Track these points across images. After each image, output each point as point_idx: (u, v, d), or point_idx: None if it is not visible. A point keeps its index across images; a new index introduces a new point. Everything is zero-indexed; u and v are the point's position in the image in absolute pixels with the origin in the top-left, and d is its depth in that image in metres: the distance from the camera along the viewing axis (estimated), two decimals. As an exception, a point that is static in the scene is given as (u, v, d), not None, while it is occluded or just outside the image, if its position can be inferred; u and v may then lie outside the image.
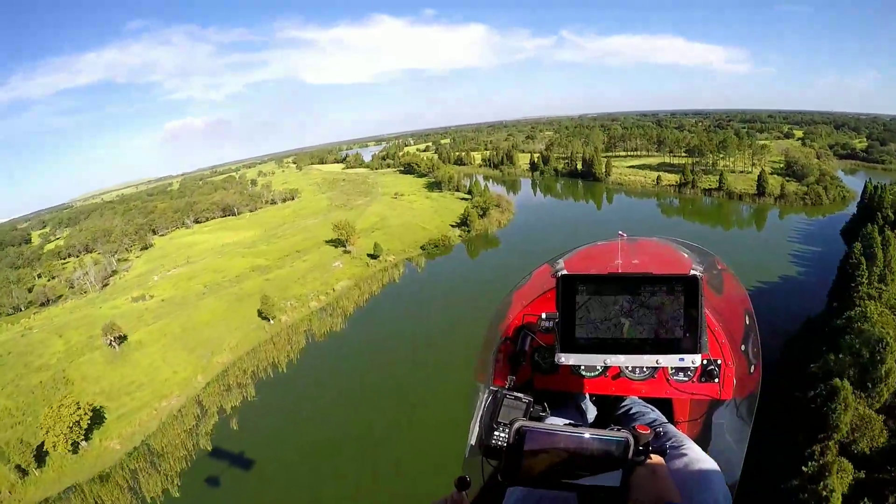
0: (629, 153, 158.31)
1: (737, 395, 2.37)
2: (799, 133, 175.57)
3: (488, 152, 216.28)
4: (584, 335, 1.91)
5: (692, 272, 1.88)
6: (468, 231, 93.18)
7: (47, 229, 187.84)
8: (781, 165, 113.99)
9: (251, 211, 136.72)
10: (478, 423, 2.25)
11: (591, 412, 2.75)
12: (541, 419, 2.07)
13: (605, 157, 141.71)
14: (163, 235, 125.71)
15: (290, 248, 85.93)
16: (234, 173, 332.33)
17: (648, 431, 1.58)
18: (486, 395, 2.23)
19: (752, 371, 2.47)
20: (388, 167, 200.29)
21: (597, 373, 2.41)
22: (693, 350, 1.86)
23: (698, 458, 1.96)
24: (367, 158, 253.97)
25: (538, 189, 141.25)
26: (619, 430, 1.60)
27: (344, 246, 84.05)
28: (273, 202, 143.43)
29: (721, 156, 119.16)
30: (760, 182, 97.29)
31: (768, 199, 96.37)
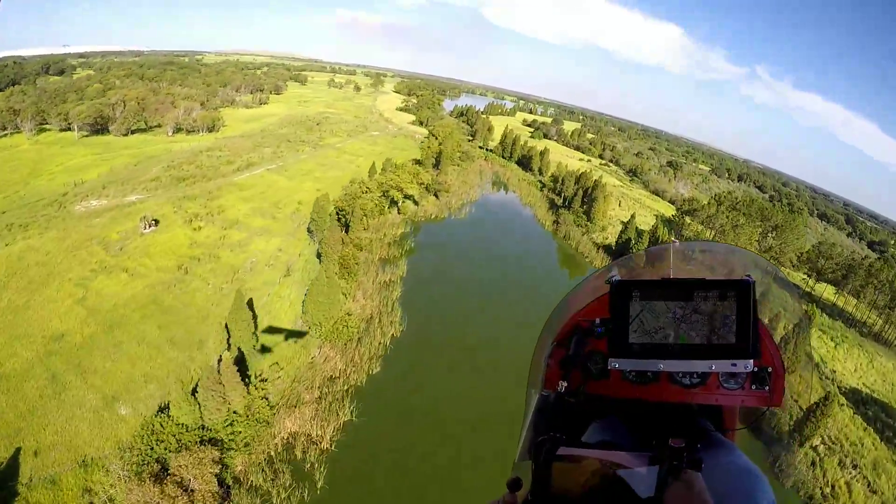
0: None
1: (787, 403, 2.31)
2: None
3: (597, 162, 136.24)
4: (636, 340, 1.93)
5: (745, 277, 1.89)
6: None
7: (80, 72, 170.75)
8: None
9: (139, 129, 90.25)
10: (528, 429, 2.30)
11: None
12: (583, 430, 2.17)
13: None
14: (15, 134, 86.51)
15: None
16: (330, 74, 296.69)
17: (681, 444, 1.49)
18: (537, 401, 2.26)
19: (802, 379, 2.48)
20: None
21: (647, 379, 2.23)
22: (745, 355, 1.87)
23: (744, 468, 1.87)
24: (448, 109, 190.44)
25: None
26: (650, 443, 1.59)
27: None
28: (189, 130, 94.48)
29: None
30: None
31: None
